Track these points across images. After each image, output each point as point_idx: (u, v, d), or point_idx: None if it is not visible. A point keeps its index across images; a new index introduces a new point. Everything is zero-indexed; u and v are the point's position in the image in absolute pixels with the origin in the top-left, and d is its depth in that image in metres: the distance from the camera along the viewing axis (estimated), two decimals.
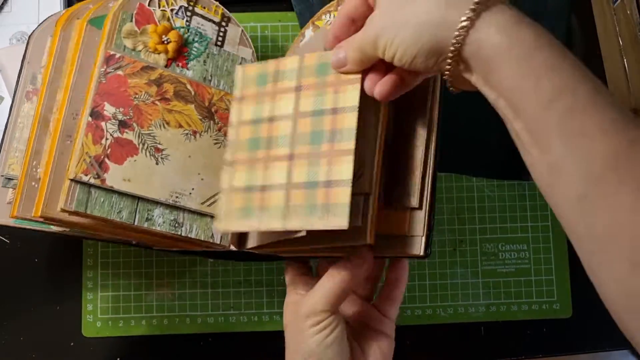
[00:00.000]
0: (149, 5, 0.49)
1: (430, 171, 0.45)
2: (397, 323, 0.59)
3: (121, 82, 0.47)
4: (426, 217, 0.44)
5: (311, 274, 0.48)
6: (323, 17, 0.52)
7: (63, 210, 0.44)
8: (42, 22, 0.53)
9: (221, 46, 0.52)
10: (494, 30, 0.32)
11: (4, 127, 0.51)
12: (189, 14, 0.51)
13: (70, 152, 0.45)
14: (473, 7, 0.33)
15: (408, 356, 0.60)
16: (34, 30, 0.52)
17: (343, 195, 0.39)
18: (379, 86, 0.40)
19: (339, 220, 0.39)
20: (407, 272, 0.49)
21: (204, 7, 0.51)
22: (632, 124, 0.30)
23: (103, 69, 0.46)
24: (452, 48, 0.34)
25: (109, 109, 0.46)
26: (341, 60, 0.40)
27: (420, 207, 0.44)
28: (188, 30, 0.50)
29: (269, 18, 0.63)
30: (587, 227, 0.31)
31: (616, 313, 0.31)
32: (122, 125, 0.46)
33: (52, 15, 0.53)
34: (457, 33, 0.33)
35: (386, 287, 0.49)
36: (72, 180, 0.44)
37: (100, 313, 0.59)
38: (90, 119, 0.45)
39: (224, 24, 0.52)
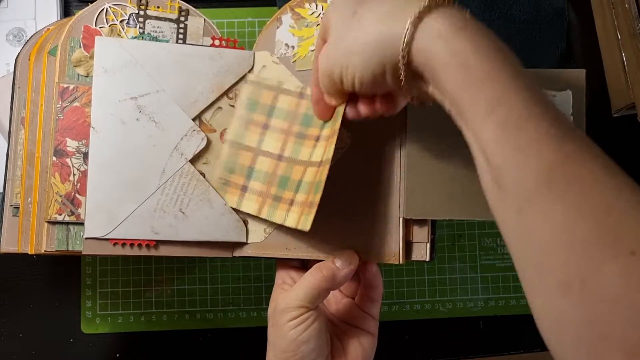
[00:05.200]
0: (96, 23, 0.47)
1: None
2: (396, 318, 0.59)
3: (79, 113, 0.46)
4: (429, 225, 0.46)
5: (302, 269, 0.48)
6: (307, 5, 0.49)
7: (47, 252, 0.45)
8: (27, 42, 0.50)
9: (183, 44, 0.49)
10: (433, 41, 0.32)
11: (5, 157, 0.49)
12: (141, 20, 0.48)
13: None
14: (412, 19, 0.32)
15: (407, 351, 0.60)
16: (19, 53, 0.49)
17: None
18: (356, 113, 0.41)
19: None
20: (380, 275, 0.47)
21: (158, 7, 0.48)
22: (570, 136, 0.28)
23: (59, 105, 0.46)
24: (400, 64, 0.33)
25: (71, 144, 0.45)
26: (314, 101, 0.42)
27: None
28: (143, 38, 0.48)
29: (270, 13, 0.62)
30: (522, 246, 0.29)
31: (547, 340, 0.29)
32: (87, 157, 0.45)
33: (35, 34, 0.51)
34: (401, 48, 0.33)
35: (363, 290, 0.48)
36: (48, 222, 0.45)
37: (99, 309, 0.59)
38: (54, 158, 0.45)
39: (182, 18, 0.49)
